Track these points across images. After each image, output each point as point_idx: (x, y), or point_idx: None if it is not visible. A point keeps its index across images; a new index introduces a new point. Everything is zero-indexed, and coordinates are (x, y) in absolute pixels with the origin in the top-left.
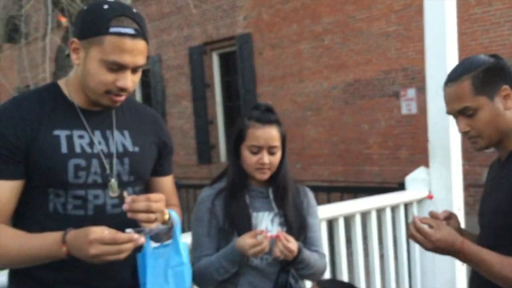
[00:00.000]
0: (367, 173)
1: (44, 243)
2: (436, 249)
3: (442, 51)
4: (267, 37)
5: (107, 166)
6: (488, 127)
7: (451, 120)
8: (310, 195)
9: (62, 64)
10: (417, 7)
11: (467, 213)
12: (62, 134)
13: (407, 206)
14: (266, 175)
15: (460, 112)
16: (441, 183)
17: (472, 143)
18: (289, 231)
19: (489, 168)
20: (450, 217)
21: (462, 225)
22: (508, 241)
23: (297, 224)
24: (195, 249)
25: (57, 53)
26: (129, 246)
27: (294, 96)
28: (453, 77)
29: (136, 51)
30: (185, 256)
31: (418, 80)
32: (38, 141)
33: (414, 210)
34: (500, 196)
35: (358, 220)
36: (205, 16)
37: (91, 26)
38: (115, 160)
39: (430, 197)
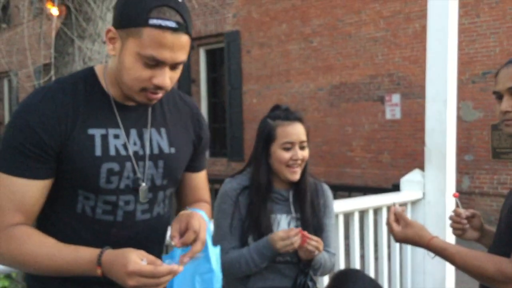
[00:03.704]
0: (349, 175)
1: (77, 260)
2: (403, 242)
3: (443, 57)
4: (255, 35)
5: (138, 170)
6: None
7: (448, 125)
8: (329, 194)
9: (60, 51)
10: (405, 14)
11: None
12: (97, 133)
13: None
14: (297, 175)
15: (510, 90)
16: (435, 186)
17: (507, 125)
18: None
19: None
20: (473, 216)
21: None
22: None
23: (312, 227)
24: (221, 242)
25: (55, 39)
26: (168, 278)
27: (280, 95)
28: None
29: (177, 47)
30: (215, 263)
31: (403, 86)
32: (72, 140)
33: (408, 211)
34: None
35: (356, 218)
36: (193, 11)
37: (129, 16)
38: (148, 163)
39: (456, 195)
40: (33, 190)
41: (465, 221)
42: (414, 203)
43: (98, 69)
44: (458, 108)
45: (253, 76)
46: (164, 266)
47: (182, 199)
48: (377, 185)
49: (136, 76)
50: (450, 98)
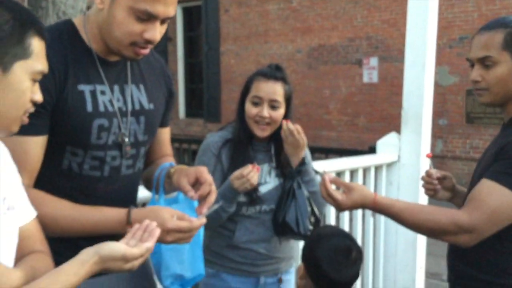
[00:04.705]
0: (325, 137)
1: (102, 220)
2: (350, 209)
3: (423, 21)
4: None
5: (122, 125)
6: (499, 83)
7: (426, 89)
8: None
9: (33, 4)
10: None
11: None
12: (86, 89)
13: (377, 169)
14: (265, 132)
15: (480, 60)
16: (411, 149)
17: (478, 95)
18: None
19: None
20: (445, 178)
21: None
22: None
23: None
24: None
25: None
26: (197, 230)
27: (258, 57)
28: (489, 27)
29: (170, 1)
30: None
31: (381, 50)
32: (65, 96)
33: (383, 173)
34: (488, 157)
35: None
36: None
37: None
38: (130, 119)
39: (429, 155)
40: (34, 147)
41: (436, 182)
42: (389, 165)
43: (77, 22)
44: (435, 73)
45: (231, 36)
46: (196, 220)
47: (150, 154)
48: (352, 148)
49: (128, 30)
50: (428, 62)
